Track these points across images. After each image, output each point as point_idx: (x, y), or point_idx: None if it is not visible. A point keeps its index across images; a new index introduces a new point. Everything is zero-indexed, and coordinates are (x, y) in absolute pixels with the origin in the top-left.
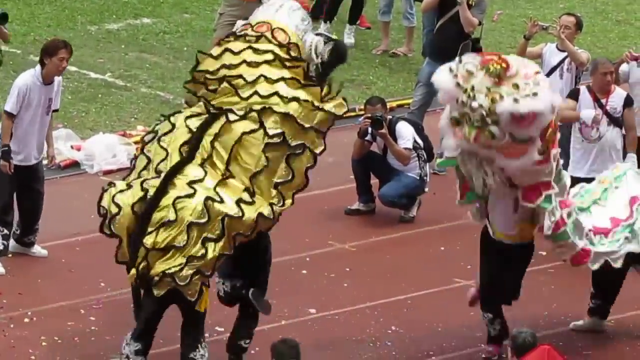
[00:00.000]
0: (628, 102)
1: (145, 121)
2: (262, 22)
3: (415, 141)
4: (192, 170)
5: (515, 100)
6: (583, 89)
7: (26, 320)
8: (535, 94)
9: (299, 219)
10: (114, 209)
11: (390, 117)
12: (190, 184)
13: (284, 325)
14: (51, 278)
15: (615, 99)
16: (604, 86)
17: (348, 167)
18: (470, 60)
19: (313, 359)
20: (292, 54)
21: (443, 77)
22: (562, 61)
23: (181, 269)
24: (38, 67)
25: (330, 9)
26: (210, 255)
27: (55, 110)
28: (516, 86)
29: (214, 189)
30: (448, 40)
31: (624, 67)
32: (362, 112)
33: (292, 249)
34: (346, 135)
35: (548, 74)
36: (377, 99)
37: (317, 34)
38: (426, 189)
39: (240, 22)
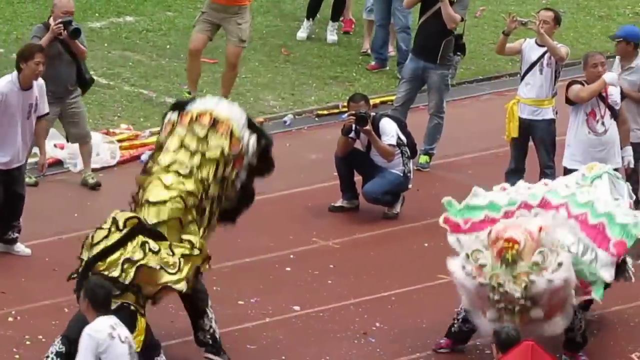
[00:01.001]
0: (623, 95)
1: (128, 119)
2: (204, 112)
3: (398, 138)
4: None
5: (550, 281)
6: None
7: (10, 319)
8: (560, 264)
9: (282, 216)
10: None
11: (374, 113)
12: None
13: (268, 322)
14: (35, 277)
15: (613, 92)
16: (596, 78)
17: (331, 164)
18: (477, 250)
19: (297, 356)
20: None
21: (463, 282)
22: (542, 56)
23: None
24: (15, 72)
25: (312, 6)
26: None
27: (45, 115)
28: (536, 264)
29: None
30: (431, 37)
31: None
32: (345, 109)
33: (275, 246)
34: (329, 132)
35: (528, 70)
36: (360, 95)
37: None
38: (410, 186)
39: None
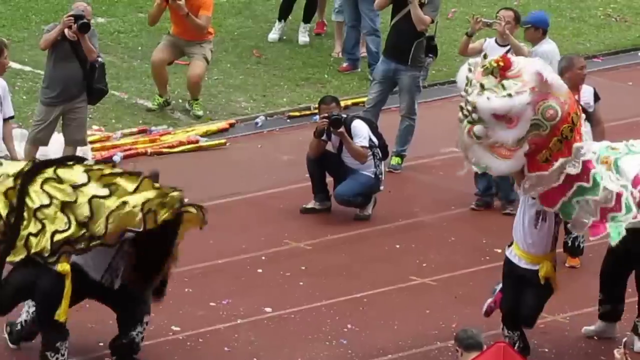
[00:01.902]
0: (597, 97)
1: (100, 120)
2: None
3: (370, 139)
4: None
5: (488, 99)
6: None
7: None
8: (510, 95)
9: (254, 218)
10: None
11: (345, 115)
12: None
13: (240, 324)
14: None
15: (586, 94)
16: (580, 81)
17: (303, 166)
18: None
19: (269, 357)
20: None
21: (462, 70)
22: None
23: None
24: None
25: (284, 8)
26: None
27: (11, 118)
28: (502, 86)
29: None
30: (402, 39)
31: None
32: (317, 111)
33: (247, 247)
34: (301, 134)
35: None
36: (330, 97)
37: None
38: (381, 187)
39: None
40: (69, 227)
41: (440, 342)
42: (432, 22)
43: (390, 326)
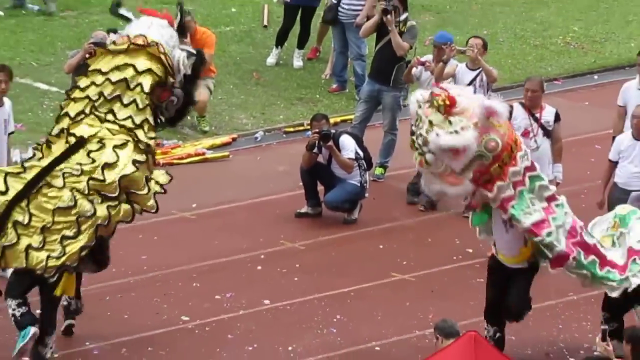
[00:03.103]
0: (557, 117)
1: None
2: (139, 35)
3: (356, 152)
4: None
5: (437, 135)
6: (516, 104)
7: None
8: (456, 131)
9: (254, 221)
10: None
11: (334, 131)
12: None
13: (242, 314)
14: None
15: (548, 114)
16: (527, 100)
17: (297, 175)
18: (434, 90)
19: (268, 344)
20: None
21: (412, 101)
22: (474, 79)
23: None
24: None
25: (280, 36)
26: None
27: (11, 133)
28: (449, 122)
29: None
30: (384, 62)
31: (415, 71)
32: (309, 127)
33: (248, 247)
34: (295, 148)
35: None
36: (321, 115)
37: (181, 49)
38: (366, 195)
39: (113, 35)
40: None
41: (419, 330)
42: (411, 48)
43: (374, 317)
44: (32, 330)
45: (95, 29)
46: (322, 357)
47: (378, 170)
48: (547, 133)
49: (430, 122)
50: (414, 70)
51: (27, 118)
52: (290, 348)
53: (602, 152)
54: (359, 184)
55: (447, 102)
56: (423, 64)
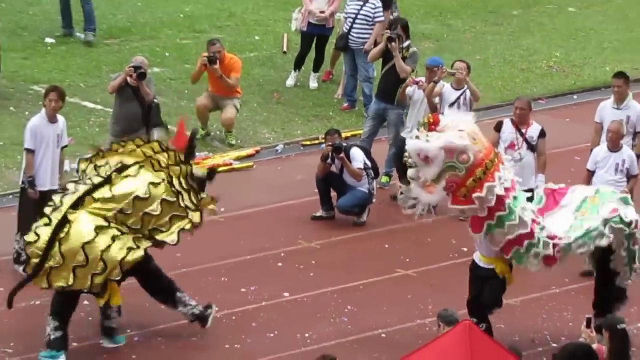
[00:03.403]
0: (542, 134)
1: None
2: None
3: (365, 163)
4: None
5: (411, 140)
6: (506, 120)
7: None
8: (427, 141)
9: (275, 224)
10: None
11: (346, 144)
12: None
13: (264, 305)
14: None
15: (533, 130)
16: (516, 117)
17: (313, 183)
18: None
19: (287, 331)
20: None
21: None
22: (459, 98)
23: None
24: (44, 109)
25: (298, 61)
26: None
27: (65, 147)
28: (427, 136)
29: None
30: (389, 84)
31: (409, 90)
32: (324, 141)
33: (270, 247)
34: (311, 159)
35: (449, 108)
36: (334, 130)
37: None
38: (374, 200)
39: None
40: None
41: (420, 320)
42: (413, 71)
43: (380, 308)
44: (62, 358)
45: (135, 55)
46: (334, 343)
47: (384, 179)
48: (532, 147)
49: (417, 137)
50: (408, 89)
51: (76, 133)
52: (307, 335)
53: (581, 163)
54: (367, 191)
55: (432, 120)
56: (417, 83)
